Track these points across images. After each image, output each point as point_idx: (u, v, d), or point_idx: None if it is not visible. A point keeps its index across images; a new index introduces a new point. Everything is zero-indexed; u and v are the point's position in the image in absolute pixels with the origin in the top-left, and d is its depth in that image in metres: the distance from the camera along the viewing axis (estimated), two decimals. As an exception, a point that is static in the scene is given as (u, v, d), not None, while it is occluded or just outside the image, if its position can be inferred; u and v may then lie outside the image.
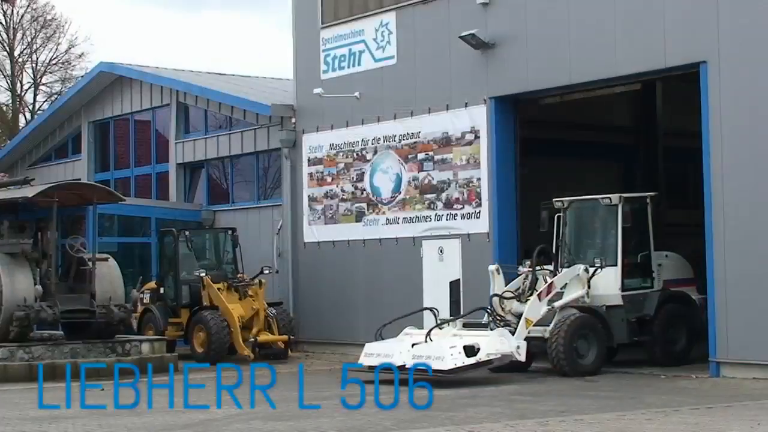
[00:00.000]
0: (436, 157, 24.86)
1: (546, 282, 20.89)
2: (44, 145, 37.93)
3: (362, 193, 26.62)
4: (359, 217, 26.67)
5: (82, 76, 40.84)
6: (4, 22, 50.26)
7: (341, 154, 27.14)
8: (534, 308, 20.40)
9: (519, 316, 20.36)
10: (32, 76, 51.41)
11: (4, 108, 52.63)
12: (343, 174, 27.08)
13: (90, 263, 23.29)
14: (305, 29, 28.25)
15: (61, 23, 51.15)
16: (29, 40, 50.80)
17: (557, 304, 20.66)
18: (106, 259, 23.82)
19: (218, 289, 24.97)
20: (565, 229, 22.11)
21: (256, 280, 25.39)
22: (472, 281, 23.42)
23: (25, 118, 51.02)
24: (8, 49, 50.52)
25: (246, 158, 30.70)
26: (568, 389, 18.31)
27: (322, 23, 27.77)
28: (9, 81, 51.20)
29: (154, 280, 27.27)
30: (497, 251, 23.26)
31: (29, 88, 51.63)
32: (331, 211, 27.42)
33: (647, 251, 21.73)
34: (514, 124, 23.99)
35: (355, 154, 26.81)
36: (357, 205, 26.75)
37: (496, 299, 20.88)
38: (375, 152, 26.32)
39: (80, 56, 51.33)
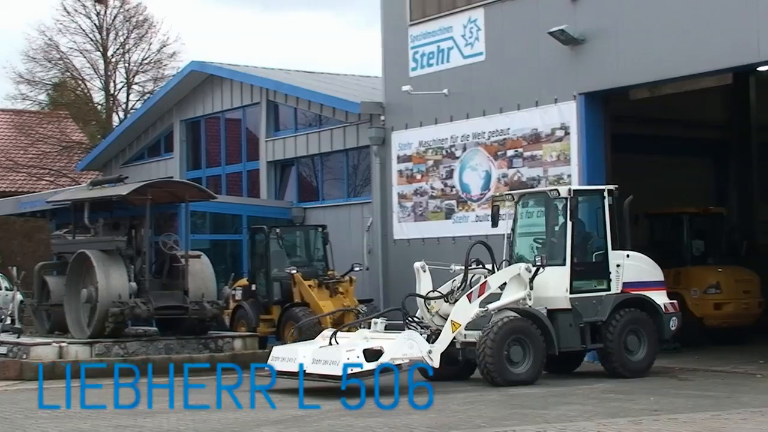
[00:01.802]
0: (526, 154, 24.76)
1: (483, 281, 19.21)
2: (137, 144, 38.49)
3: (451, 190, 26.61)
4: (449, 214, 26.67)
5: (173, 76, 41.31)
6: (97, 23, 51.00)
7: (430, 151, 27.16)
8: (462, 310, 18.70)
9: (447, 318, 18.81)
10: (125, 75, 52.02)
11: (99, 107, 53.44)
12: (432, 171, 27.10)
13: (183, 260, 23.57)
14: (393, 27, 28.30)
15: (152, 23, 51.76)
16: (122, 40, 51.44)
17: (493, 306, 18.96)
18: (198, 256, 24.10)
19: (309, 286, 25.13)
20: (515, 225, 20.66)
21: (347, 277, 25.52)
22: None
23: (119, 117, 51.70)
24: (102, 50, 51.20)
25: (335, 156, 30.86)
26: (662, 388, 18.11)
27: (411, 20, 27.80)
28: (103, 81, 51.93)
29: (246, 277, 27.52)
30: (588, 248, 23.09)
31: (122, 87, 52.26)
32: (420, 209, 27.45)
33: (604, 250, 19.97)
34: (603, 120, 23.79)
35: (444, 151, 26.81)
36: (446, 202, 26.74)
37: (420, 300, 19.41)
38: (464, 149, 26.30)
39: (172, 56, 51.80)
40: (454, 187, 26.54)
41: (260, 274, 26.58)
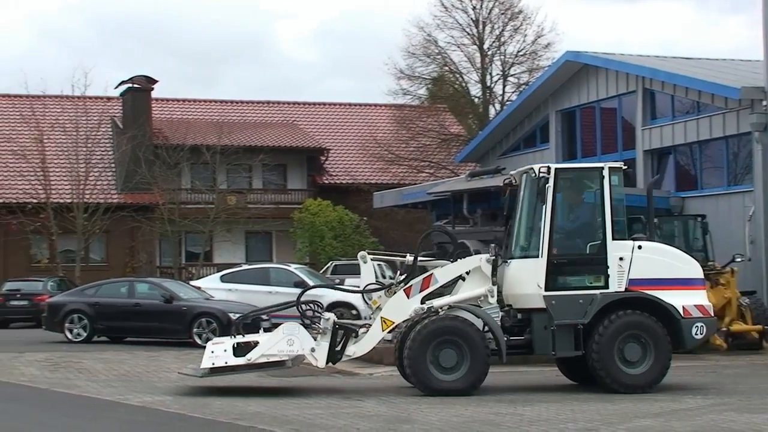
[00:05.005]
0: None
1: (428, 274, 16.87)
2: (513, 135, 39.01)
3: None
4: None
5: (548, 66, 41.56)
6: (473, 17, 52.07)
7: (817, 136, 25.98)
8: (397, 306, 16.54)
9: None
10: (501, 68, 52.90)
11: (475, 100, 54.57)
12: (819, 157, 25.91)
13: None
14: (777, 8, 27.25)
15: (527, 15, 52.26)
16: (498, 33, 52.29)
17: (438, 302, 16.67)
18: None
19: (688, 277, 24.58)
20: (513, 212, 17.83)
21: (728, 268, 24.85)
22: None
23: (495, 109, 52.61)
24: (478, 43, 52.28)
25: (714, 143, 30.10)
26: None
27: (794, 0, 26.69)
28: (479, 74, 53.01)
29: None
30: None
31: (498, 79, 53.15)
32: (806, 197, 26.29)
33: (602, 240, 16.89)
34: None
35: (831, 137, 25.55)
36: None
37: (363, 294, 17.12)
38: None
39: (546, 46, 52.20)
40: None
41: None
